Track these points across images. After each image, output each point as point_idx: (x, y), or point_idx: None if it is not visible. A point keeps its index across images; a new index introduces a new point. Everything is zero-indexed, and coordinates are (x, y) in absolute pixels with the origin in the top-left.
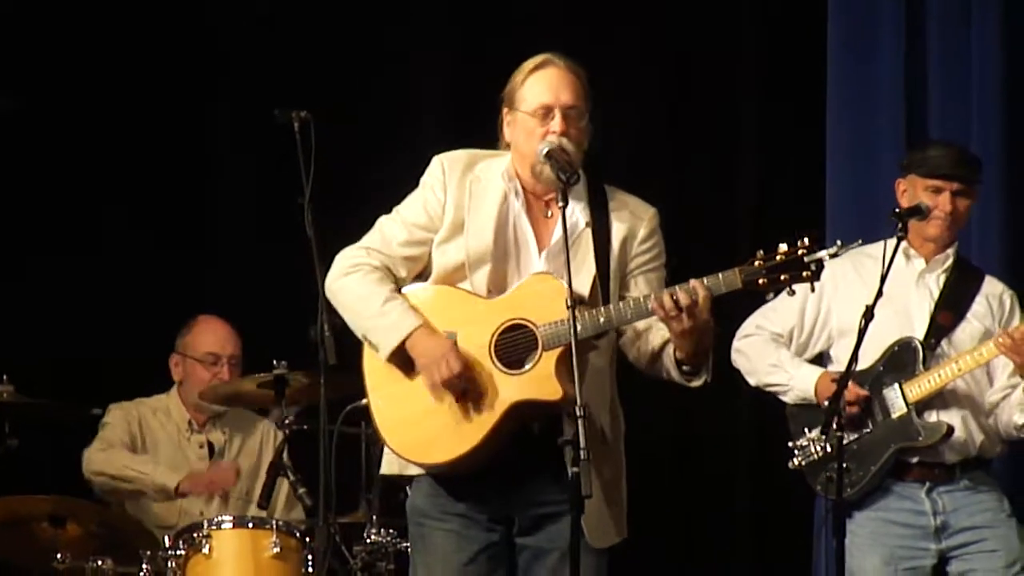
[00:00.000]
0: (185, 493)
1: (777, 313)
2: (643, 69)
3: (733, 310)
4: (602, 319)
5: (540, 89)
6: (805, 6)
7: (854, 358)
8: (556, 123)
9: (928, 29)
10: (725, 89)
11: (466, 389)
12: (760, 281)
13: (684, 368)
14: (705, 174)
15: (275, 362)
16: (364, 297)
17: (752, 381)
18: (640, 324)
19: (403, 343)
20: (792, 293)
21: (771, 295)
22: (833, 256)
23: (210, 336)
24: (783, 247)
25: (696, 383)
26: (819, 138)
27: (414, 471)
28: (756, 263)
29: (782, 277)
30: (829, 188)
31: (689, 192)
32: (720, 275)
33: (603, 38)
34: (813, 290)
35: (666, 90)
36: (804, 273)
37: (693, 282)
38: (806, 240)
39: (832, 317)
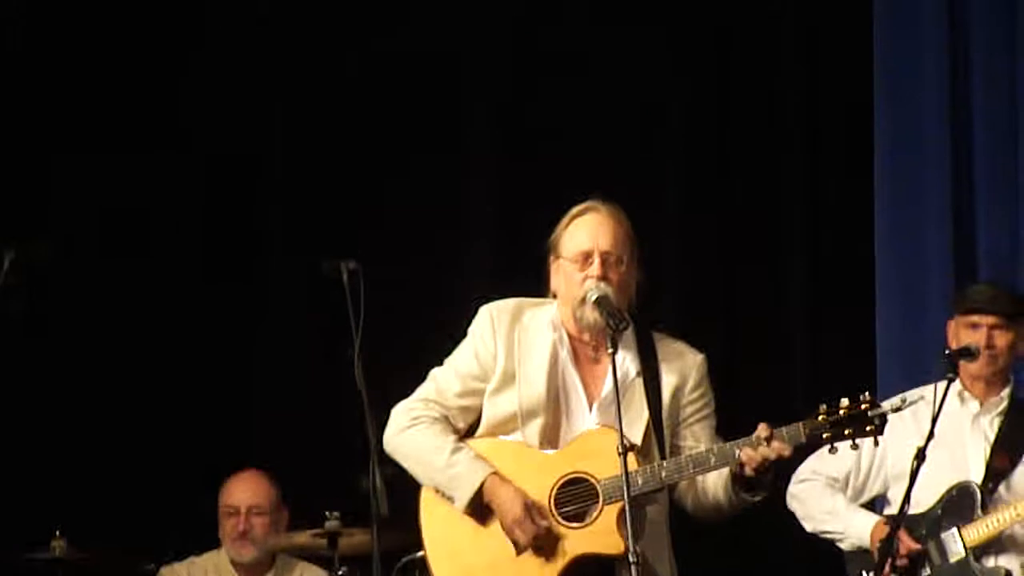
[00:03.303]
0: None
1: (834, 456)
2: (687, 149)
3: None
4: (664, 473)
5: (580, 236)
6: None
7: (906, 500)
8: (595, 268)
9: (973, 103)
10: (770, 180)
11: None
12: (824, 436)
13: (748, 488)
14: (754, 278)
15: (327, 514)
16: (431, 448)
17: (808, 527)
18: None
19: (479, 491)
20: (856, 447)
21: (833, 450)
22: (896, 410)
23: (232, 488)
24: (845, 401)
25: (757, 498)
26: (869, 280)
27: None
28: (819, 417)
29: (845, 432)
30: (879, 335)
31: (738, 296)
32: (784, 430)
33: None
34: (877, 444)
35: (707, 182)
36: (867, 427)
37: (763, 436)
38: (867, 395)
39: (888, 460)
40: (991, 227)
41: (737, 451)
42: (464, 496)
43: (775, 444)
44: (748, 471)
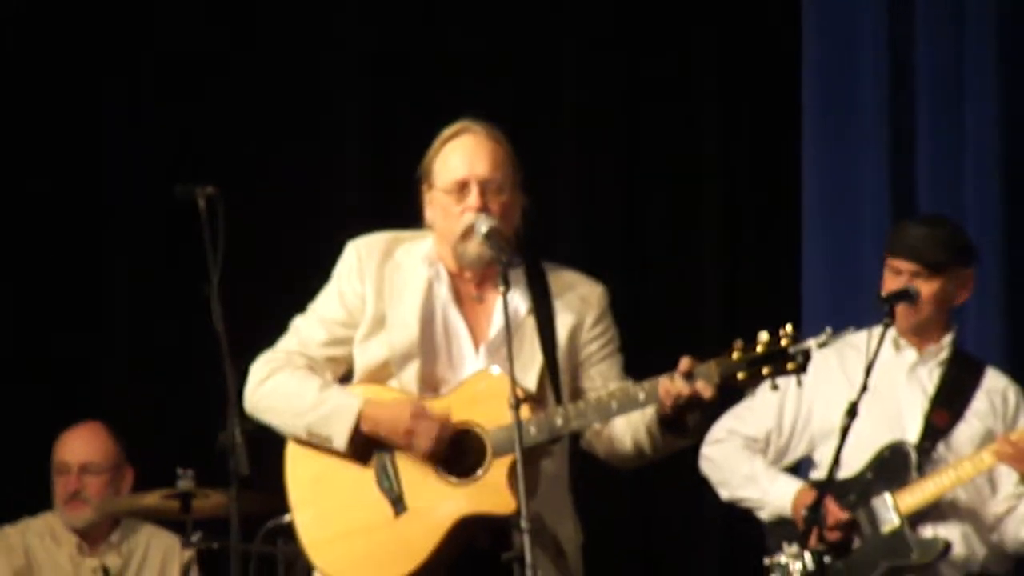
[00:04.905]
0: None
1: (752, 413)
2: (594, 122)
3: None
4: (559, 421)
5: (454, 162)
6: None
7: (836, 462)
8: (472, 199)
9: (917, 107)
10: (689, 157)
11: (455, 447)
12: (739, 376)
13: (674, 429)
14: (668, 250)
15: (179, 472)
16: (296, 392)
17: (723, 494)
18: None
19: (358, 423)
20: (775, 388)
21: (750, 392)
22: (821, 346)
23: (64, 443)
24: (764, 336)
25: (685, 442)
26: (795, 208)
27: None
28: (734, 355)
29: (764, 370)
30: (805, 267)
31: (647, 264)
32: (695, 369)
33: (545, 100)
34: (800, 384)
35: (626, 154)
36: (788, 365)
37: (683, 369)
38: (789, 328)
39: (814, 417)
40: (932, 142)
41: (642, 394)
42: (342, 431)
43: (698, 383)
44: (666, 409)
